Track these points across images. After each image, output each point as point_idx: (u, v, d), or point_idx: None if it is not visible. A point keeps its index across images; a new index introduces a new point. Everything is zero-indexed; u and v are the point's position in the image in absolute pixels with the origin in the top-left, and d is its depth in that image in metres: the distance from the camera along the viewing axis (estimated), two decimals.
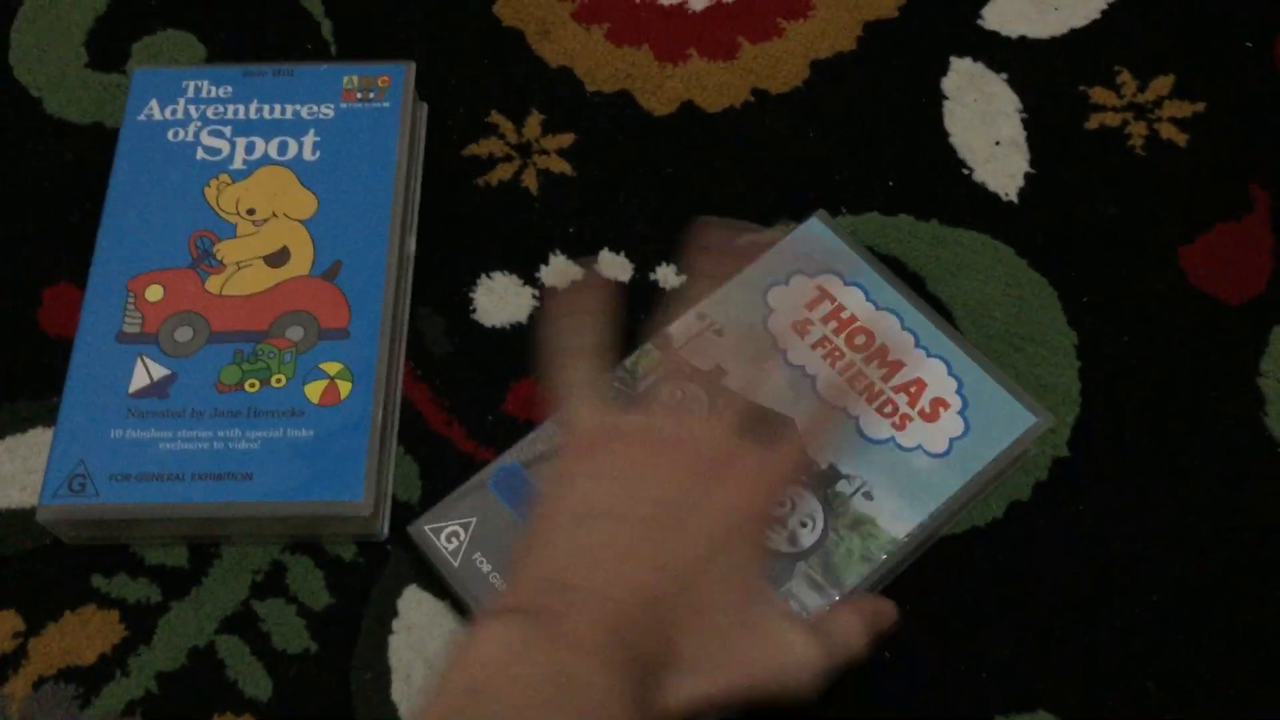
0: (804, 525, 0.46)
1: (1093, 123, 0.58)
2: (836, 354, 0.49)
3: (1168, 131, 0.58)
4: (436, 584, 0.49)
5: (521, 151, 0.59)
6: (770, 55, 0.61)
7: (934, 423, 0.48)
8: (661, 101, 0.60)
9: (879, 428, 0.48)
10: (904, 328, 0.50)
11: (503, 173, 0.58)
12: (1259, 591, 0.49)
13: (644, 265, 0.56)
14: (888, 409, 0.48)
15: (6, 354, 0.54)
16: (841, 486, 0.47)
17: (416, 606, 0.49)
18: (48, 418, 0.53)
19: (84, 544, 0.51)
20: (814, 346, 0.49)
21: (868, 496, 0.47)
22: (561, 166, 0.58)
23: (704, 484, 0.39)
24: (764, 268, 0.51)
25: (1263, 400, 0.52)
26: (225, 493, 0.47)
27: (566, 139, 0.59)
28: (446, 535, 0.47)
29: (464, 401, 0.53)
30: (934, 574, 0.49)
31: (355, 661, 0.48)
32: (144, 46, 0.62)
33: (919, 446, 0.48)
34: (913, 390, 0.48)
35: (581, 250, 0.56)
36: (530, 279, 0.56)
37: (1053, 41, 0.60)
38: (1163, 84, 0.59)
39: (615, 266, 0.56)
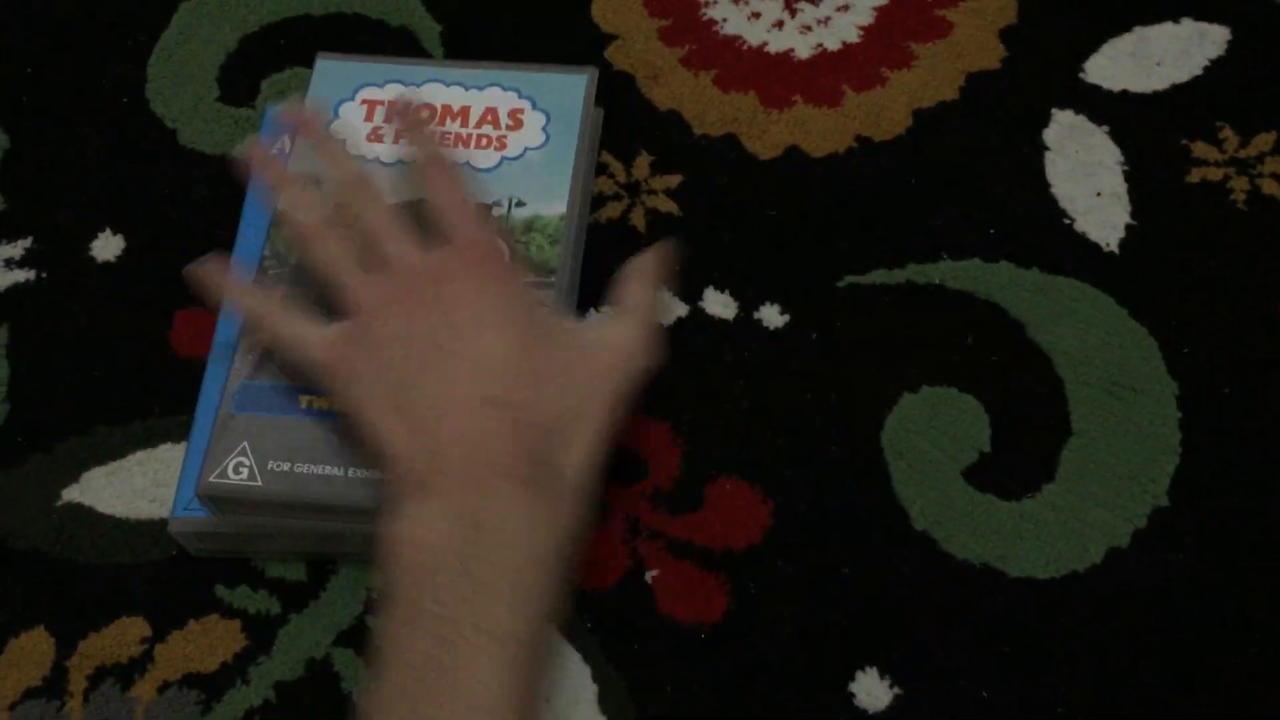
0: None
1: (1194, 176, 0.59)
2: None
3: (1270, 187, 0.59)
4: None
5: (630, 191, 0.61)
6: (874, 103, 0.62)
7: (523, 128, 0.55)
8: (766, 146, 0.62)
9: (487, 158, 0.55)
10: (448, 85, 0.57)
11: (612, 211, 0.60)
12: None
13: (748, 304, 0.57)
14: (484, 142, 0.55)
15: (140, 373, 0.57)
16: (497, 212, 0.53)
17: None
18: (177, 434, 0.55)
19: (208, 555, 0.53)
20: (396, 141, 0.55)
21: (520, 204, 0.53)
22: (669, 206, 0.60)
23: (458, 290, 0.46)
24: (313, 110, 0.56)
25: None
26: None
27: (674, 180, 0.61)
28: (234, 470, 0.48)
29: None
30: (1024, 618, 0.50)
31: None
32: (273, 83, 0.65)
33: (525, 149, 0.55)
34: (490, 118, 0.56)
35: (687, 288, 0.58)
36: None
37: (1155, 96, 0.61)
38: (1265, 140, 0.60)
39: (719, 305, 0.57)
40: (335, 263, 0.48)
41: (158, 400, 0.57)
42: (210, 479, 0.48)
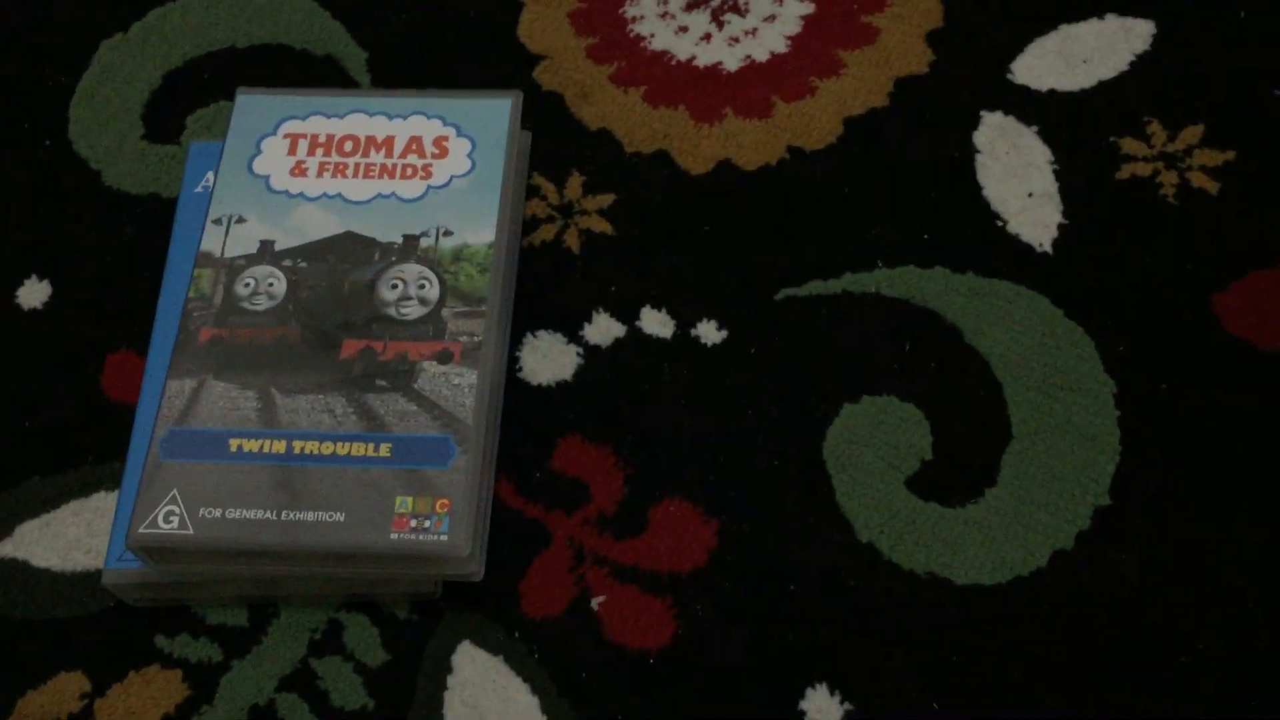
0: (422, 288, 0.52)
1: (1124, 173, 0.59)
2: (339, 166, 0.55)
3: (1199, 180, 0.59)
4: (490, 641, 0.51)
5: (563, 212, 0.60)
6: (804, 113, 0.62)
7: (449, 156, 0.55)
8: (698, 161, 0.61)
9: (413, 187, 0.54)
10: (371, 115, 0.56)
11: (545, 233, 0.60)
12: None
13: (685, 322, 0.57)
14: (409, 172, 0.55)
15: (71, 421, 0.56)
16: (424, 243, 0.53)
17: (470, 662, 0.50)
18: (110, 482, 0.54)
19: (147, 605, 0.52)
20: (319, 174, 0.55)
21: (448, 233, 0.53)
22: (602, 226, 0.60)
23: None
24: (232, 146, 0.56)
25: None
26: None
27: (607, 199, 0.61)
28: (164, 519, 0.47)
29: (512, 458, 0.54)
30: (972, 625, 0.50)
31: (411, 717, 0.50)
32: (198, 118, 0.64)
33: (450, 177, 0.55)
34: (415, 147, 0.55)
35: (624, 308, 0.58)
36: (575, 337, 0.57)
37: (1082, 94, 0.62)
38: (1193, 133, 0.60)
39: (657, 324, 0.57)
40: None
41: (90, 447, 0.56)
42: (140, 530, 0.47)
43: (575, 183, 0.61)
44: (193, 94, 0.65)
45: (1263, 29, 0.62)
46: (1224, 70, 0.62)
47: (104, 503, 0.54)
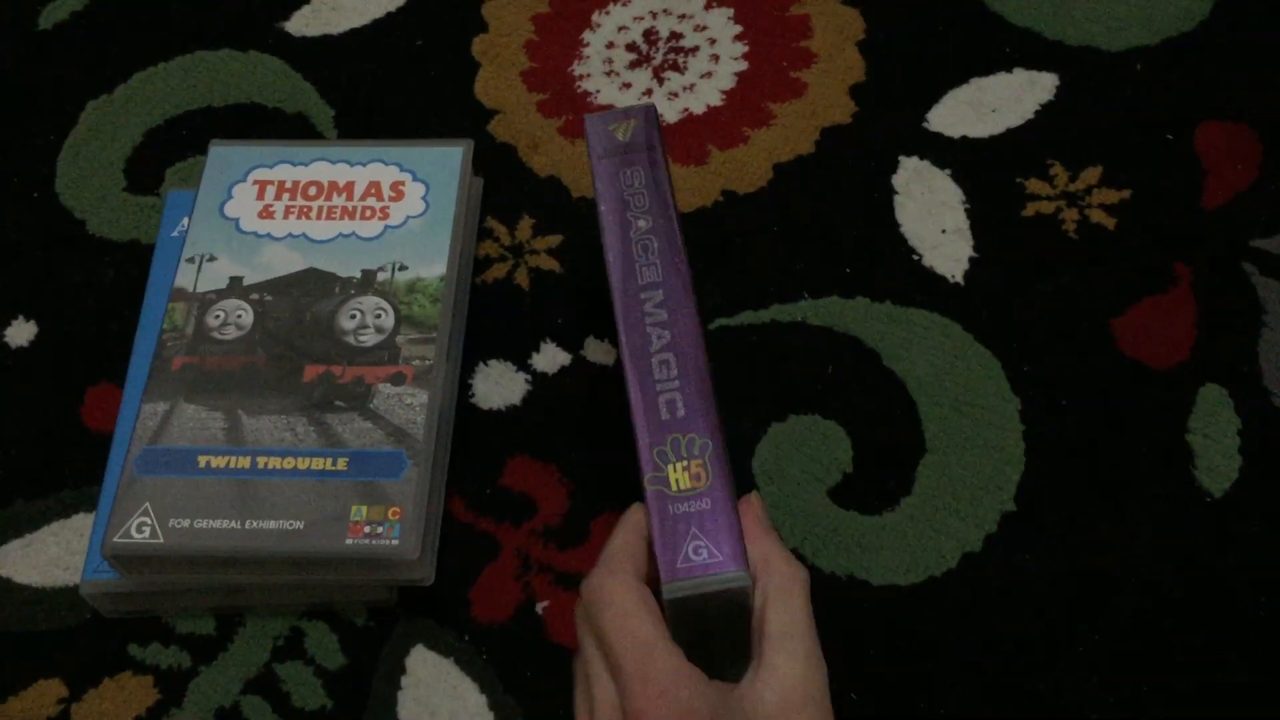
0: (378, 317, 0.56)
1: (1029, 210, 0.64)
2: (304, 209, 0.60)
3: (1097, 216, 0.64)
4: (442, 643, 0.54)
5: (514, 252, 0.65)
6: (737, 160, 0.67)
7: (404, 198, 0.60)
8: None
9: (371, 228, 0.59)
10: (334, 163, 0.61)
11: (498, 271, 0.65)
12: (1196, 634, 0.53)
13: None
14: (368, 213, 0.59)
15: (53, 447, 0.60)
16: (381, 277, 0.57)
17: (423, 664, 0.54)
18: (89, 504, 0.58)
19: (121, 617, 0.56)
20: (285, 216, 0.59)
21: (403, 268, 0.58)
22: (550, 264, 0.65)
23: None
24: (206, 191, 0.61)
25: (1192, 455, 0.57)
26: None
27: (555, 239, 0.65)
28: (136, 529, 0.51)
29: (464, 476, 0.58)
30: (888, 622, 0.54)
31: (367, 716, 0.53)
32: (176, 171, 0.69)
33: (406, 217, 0.59)
34: (374, 191, 0.60)
35: (569, 338, 0.62)
36: (523, 365, 0.61)
37: (991, 139, 0.67)
38: (1092, 174, 0.65)
39: (600, 352, 0.62)
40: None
41: (70, 473, 0.60)
42: (114, 539, 0.51)
43: (526, 225, 0.66)
44: (172, 149, 0.70)
45: (1155, 81, 0.68)
46: (1121, 117, 0.67)
47: (83, 523, 0.58)
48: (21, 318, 0.65)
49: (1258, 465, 0.56)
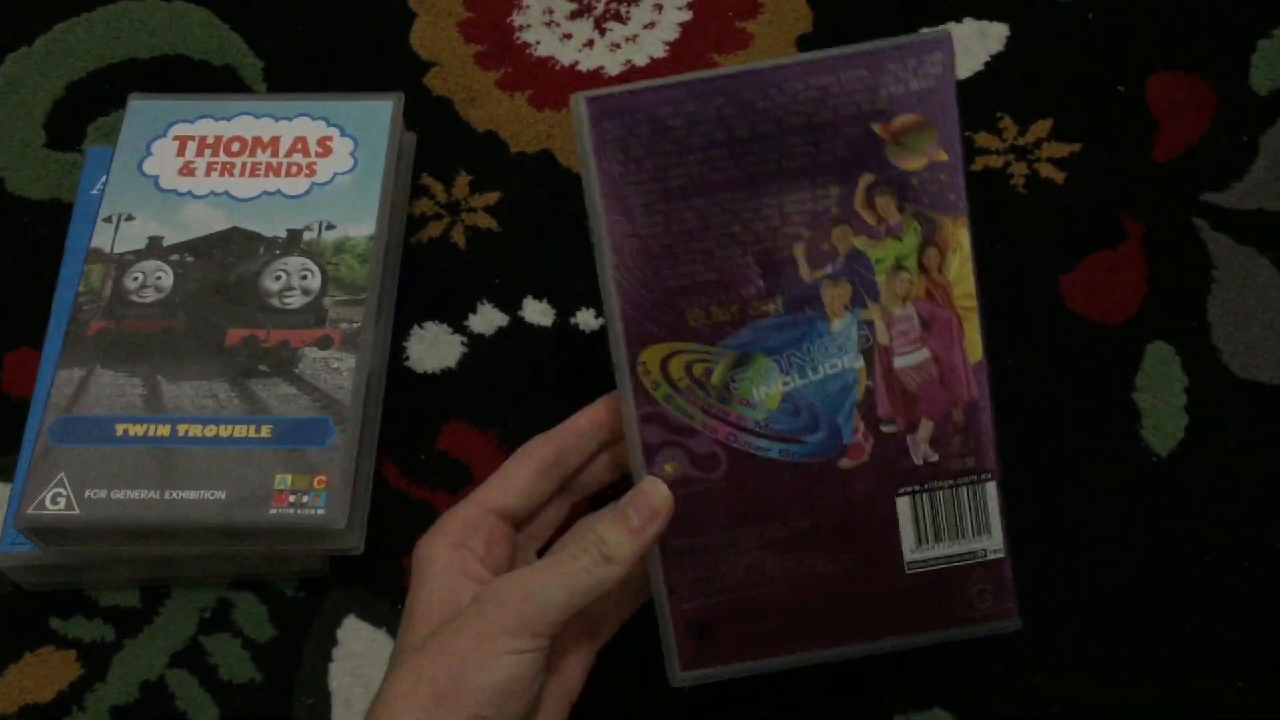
0: (304, 278, 0.54)
1: (978, 165, 0.63)
2: (227, 166, 0.57)
3: (1047, 170, 0.63)
4: (375, 613, 0.53)
5: (451, 210, 0.63)
6: None
7: (332, 155, 0.57)
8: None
9: (297, 185, 0.57)
10: (259, 117, 0.59)
11: (433, 230, 0.63)
12: (1141, 595, 0.52)
13: (564, 311, 0.60)
14: (294, 170, 0.57)
15: None
16: (307, 236, 0.55)
17: (355, 635, 0.53)
18: (5, 474, 0.56)
19: (41, 589, 0.54)
20: (208, 173, 0.57)
21: (330, 227, 0.55)
22: (488, 222, 0.63)
23: None
24: (124, 148, 0.58)
25: (1138, 413, 0.56)
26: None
27: (492, 197, 0.63)
28: (51, 500, 0.49)
29: (398, 442, 0.57)
30: None
31: (297, 689, 0.52)
32: (98, 126, 0.66)
33: (334, 174, 0.57)
34: (300, 146, 0.57)
35: (507, 299, 0.60)
36: (459, 327, 0.60)
37: None
38: (1042, 127, 0.64)
39: (538, 313, 0.60)
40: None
41: None
42: (28, 511, 0.49)
43: (463, 182, 0.64)
44: (94, 103, 0.67)
45: (1107, 31, 0.66)
46: (1071, 69, 0.65)
47: (0, 494, 0.56)
48: None
49: (1204, 424, 0.56)
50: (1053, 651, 0.51)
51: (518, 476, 0.45)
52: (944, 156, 0.45)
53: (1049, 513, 0.54)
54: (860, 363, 0.44)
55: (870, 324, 0.44)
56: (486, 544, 0.44)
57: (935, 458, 0.44)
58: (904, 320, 0.44)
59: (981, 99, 0.65)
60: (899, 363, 0.44)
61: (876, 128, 0.44)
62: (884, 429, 0.44)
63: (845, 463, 0.44)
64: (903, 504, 0.44)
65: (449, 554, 0.43)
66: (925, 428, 0.44)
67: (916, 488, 0.44)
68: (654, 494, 0.43)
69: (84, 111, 0.67)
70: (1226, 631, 0.51)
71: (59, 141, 0.66)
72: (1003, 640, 0.51)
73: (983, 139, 0.64)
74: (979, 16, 0.67)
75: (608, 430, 0.46)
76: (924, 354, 0.45)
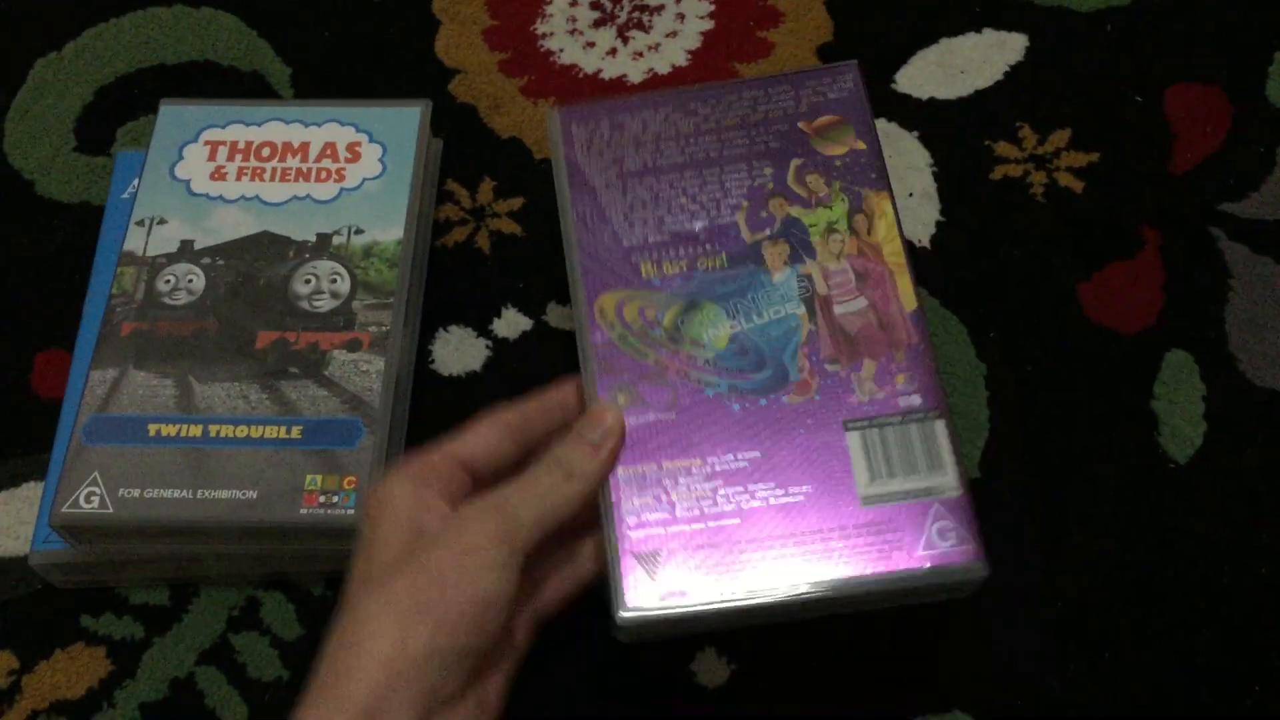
0: (334, 282, 0.55)
1: (997, 174, 0.64)
2: (257, 171, 0.58)
3: (1065, 180, 0.63)
4: None
5: (475, 215, 0.64)
6: None
7: (361, 160, 0.58)
8: None
9: (326, 190, 0.57)
10: (288, 123, 0.59)
11: (458, 235, 0.63)
12: (1158, 602, 0.53)
13: None
14: (324, 175, 0.58)
15: (1, 414, 0.59)
16: (336, 240, 0.56)
17: None
18: (39, 473, 0.57)
19: (73, 587, 0.55)
20: (238, 178, 0.58)
21: (359, 231, 0.56)
22: (512, 228, 0.63)
23: None
24: (156, 152, 0.59)
25: (1156, 421, 0.57)
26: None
27: (516, 203, 0.64)
28: (85, 499, 0.50)
29: (423, 444, 0.57)
30: None
31: None
32: (128, 130, 0.67)
33: (362, 179, 0.58)
34: (329, 152, 0.58)
35: (531, 303, 0.61)
36: (484, 331, 0.60)
37: (959, 101, 0.66)
38: (1060, 137, 0.64)
39: (560, 317, 0.61)
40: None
41: (19, 441, 0.58)
42: (62, 510, 0.50)
43: (487, 188, 0.65)
44: (123, 108, 0.68)
45: (1125, 42, 0.67)
46: (1090, 79, 0.66)
47: (32, 492, 0.57)
48: None
49: (1222, 432, 0.56)
50: (1070, 656, 0.52)
51: (482, 431, 0.46)
52: (862, 145, 0.52)
53: (1066, 519, 0.55)
54: (802, 309, 0.48)
55: (809, 277, 0.49)
56: (446, 487, 0.44)
57: (881, 394, 0.47)
58: (840, 274, 0.49)
59: (1001, 108, 0.65)
60: (839, 309, 0.48)
61: (801, 125, 0.52)
62: (829, 367, 0.47)
63: (792, 398, 0.47)
64: (853, 438, 0.46)
65: (412, 490, 0.43)
66: (869, 366, 0.47)
67: (865, 423, 0.46)
68: (606, 412, 0.46)
69: (113, 116, 0.68)
70: (1246, 638, 0.52)
71: (89, 146, 0.67)
72: (1020, 642, 0.52)
73: (1002, 148, 0.64)
74: (998, 27, 0.68)
75: (574, 402, 0.48)
76: (862, 302, 0.49)
